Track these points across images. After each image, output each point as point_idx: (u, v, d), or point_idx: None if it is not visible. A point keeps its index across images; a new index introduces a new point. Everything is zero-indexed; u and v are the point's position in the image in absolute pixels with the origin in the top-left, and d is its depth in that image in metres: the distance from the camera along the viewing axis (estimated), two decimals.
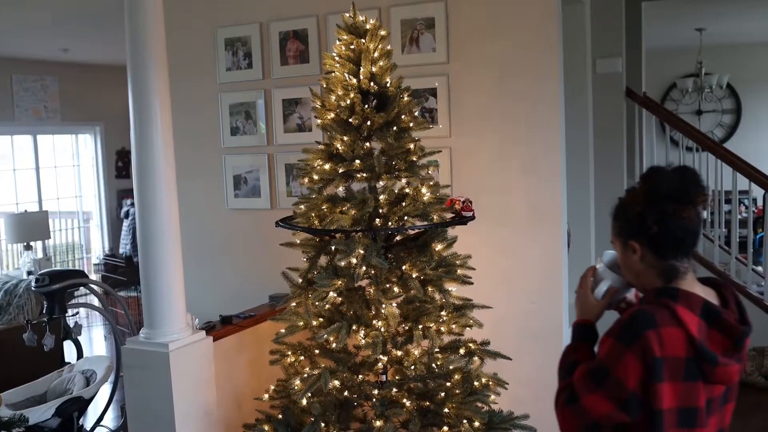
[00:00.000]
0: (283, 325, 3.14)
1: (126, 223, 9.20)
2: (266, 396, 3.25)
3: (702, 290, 1.78)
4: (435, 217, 3.00)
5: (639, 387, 1.66)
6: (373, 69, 3.01)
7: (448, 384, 3.01)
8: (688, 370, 1.67)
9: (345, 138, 2.99)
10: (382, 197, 3.01)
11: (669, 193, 1.74)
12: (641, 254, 1.78)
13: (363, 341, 2.96)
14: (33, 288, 4.10)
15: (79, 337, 4.72)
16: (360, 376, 3.04)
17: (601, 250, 5.53)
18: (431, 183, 3.07)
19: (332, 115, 3.03)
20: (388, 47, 3.10)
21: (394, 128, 3.01)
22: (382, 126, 2.99)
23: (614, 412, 1.69)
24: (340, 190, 3.07)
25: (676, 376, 1.66)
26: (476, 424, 2.97)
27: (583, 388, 1.73)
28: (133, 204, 3.22)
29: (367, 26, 3.03)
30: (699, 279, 1.82)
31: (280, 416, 3.15)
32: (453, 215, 3.08)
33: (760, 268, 6.07)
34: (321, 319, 3.07)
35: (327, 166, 3.03)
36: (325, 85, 3.11)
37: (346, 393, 3.04)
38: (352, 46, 3.03)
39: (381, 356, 2.97)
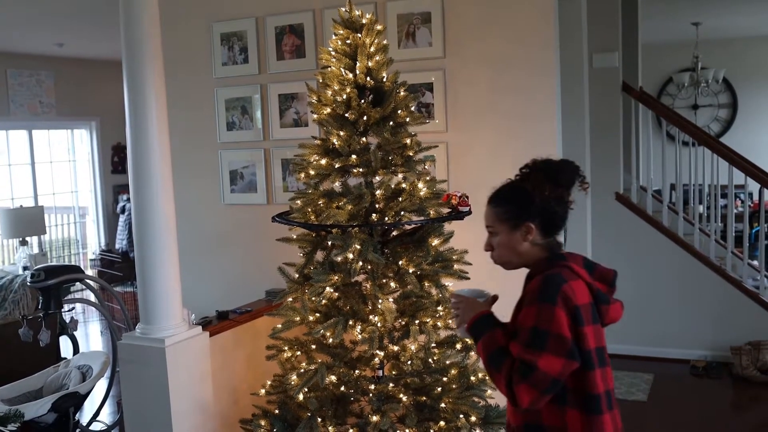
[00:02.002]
0: (279, 321, 3.14)
1: (122, 219, 9.18)
2: (263, 391, 3.25)
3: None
4: (431, 213, 3.00)
5: (572, 334, 1.87)
6: (369, 64, 3.00)
7: (445, 379, 3.01)
8: (593, 314, 1.94)
9: (341, 133, 2.99)
10: (378, 192, 3.00)
11: (565, 182, 2.03)
12: (533, 234, 2.01)
13: (359, 336, 2.96)
14: (28, 283, 4.08)
15: (75, 333, 4.71)
16: (356, 372, 3.04)
17: (599, 245, 5.55)
18: (428, 178, 3.07)
19: (328, 110, 3.03)
20: (384, 42, 3.09)
21: (391, 123, 3.01)
22: (379, 121, 2.99)
23: (566, 364, 1.85)
24: (337, 185, 3.07)
25: (590, 320, 1.91)
26: (472, 418, 2.98)
27: (532, 357, 1.84)
28: (129, 199, 3.21)
29: (363, 21, 3.03)
30: None
31: (277, 411, 3.15)
32: (449, 210, 3.08)
33: (755, 263, 6.08)
34: (317, 315, 3.07)
35: (323, 162, 3.03)
36: (321, 80, 3.10)
37: (342, 388, 3.04)
38: (348, 41, 3.02)
39: (377, 351, 2.97)
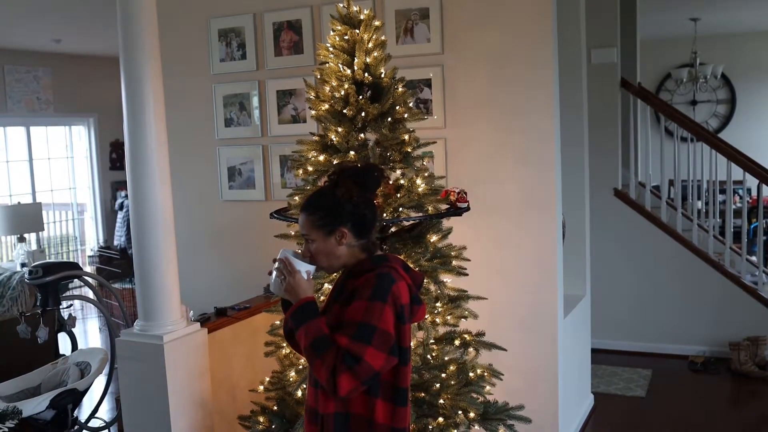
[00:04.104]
0: (278, 317, 3.14)
1: (120, 215, 9.17)
2: (261, 387, 3.25)
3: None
4: (430, 209, 3.00)
5: (396, 332, 2.02)
6: (368, 60, 2.99)
7: (444, 375, 3.01)
8: (410, 313, 2.12)
9: (339, 129, 2.98)
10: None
11: (372, 186, 2.21)
12: (348, 237, 2.12)
13: None
14: (26, 280, 4.08)
15: (73, 329, 4.70)
16: None
17: (597, 241, 5.54)
18: (426, 174, 3.06)
19: (326, 106, 3.02)
20: (383, 38, 3.08)
21: (389, 119, 3.00)
22: (377, 117, 2.98)
23: (388, 360, 2.00)
24: None
25: (408, 319, 2.10)
26: (471, 414, 2.98)
27: (359, 350, 1.96)
28: (127, 196, 3.20)
29: (362, 17, 3.02)
30: None
31: (275, 408, 3.15)
32: (448, 206, 3.08)
33: (754, 258, 6.09)
34: None
35: (321, 158, 3.02)
36: (319, 76, 3.09)
37: None
38: (346, 37, 3.01)
39: None
